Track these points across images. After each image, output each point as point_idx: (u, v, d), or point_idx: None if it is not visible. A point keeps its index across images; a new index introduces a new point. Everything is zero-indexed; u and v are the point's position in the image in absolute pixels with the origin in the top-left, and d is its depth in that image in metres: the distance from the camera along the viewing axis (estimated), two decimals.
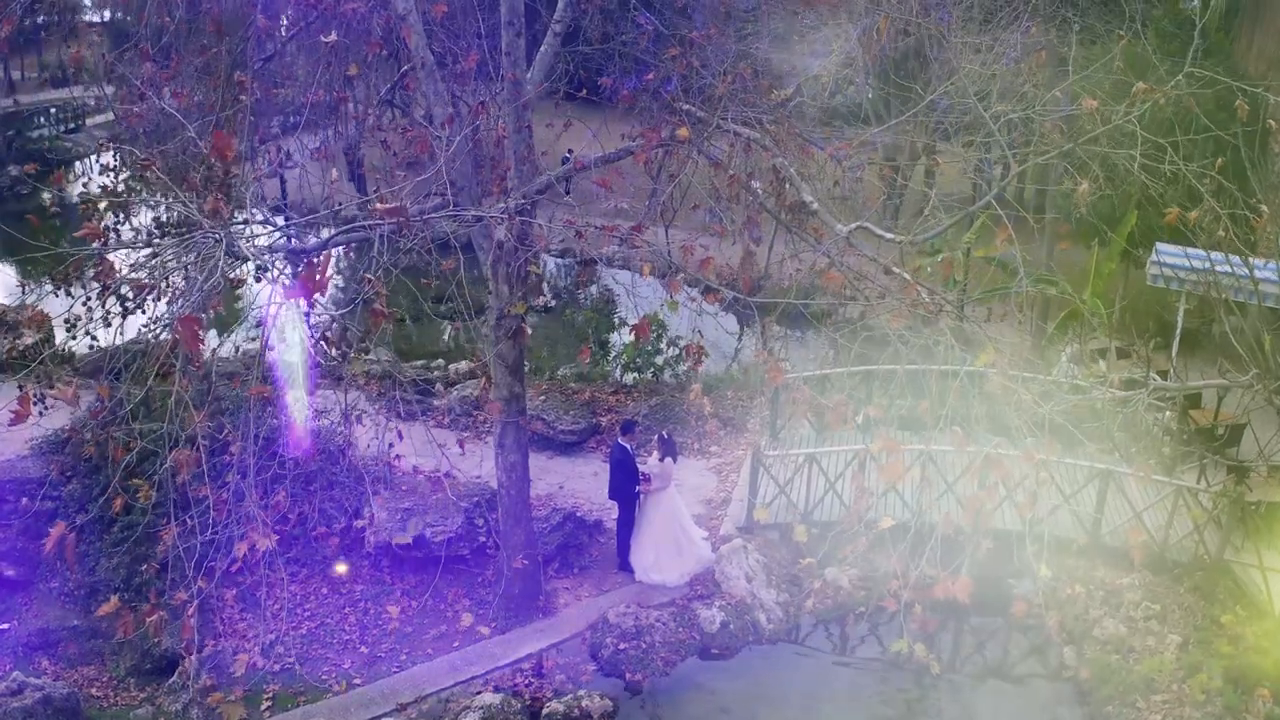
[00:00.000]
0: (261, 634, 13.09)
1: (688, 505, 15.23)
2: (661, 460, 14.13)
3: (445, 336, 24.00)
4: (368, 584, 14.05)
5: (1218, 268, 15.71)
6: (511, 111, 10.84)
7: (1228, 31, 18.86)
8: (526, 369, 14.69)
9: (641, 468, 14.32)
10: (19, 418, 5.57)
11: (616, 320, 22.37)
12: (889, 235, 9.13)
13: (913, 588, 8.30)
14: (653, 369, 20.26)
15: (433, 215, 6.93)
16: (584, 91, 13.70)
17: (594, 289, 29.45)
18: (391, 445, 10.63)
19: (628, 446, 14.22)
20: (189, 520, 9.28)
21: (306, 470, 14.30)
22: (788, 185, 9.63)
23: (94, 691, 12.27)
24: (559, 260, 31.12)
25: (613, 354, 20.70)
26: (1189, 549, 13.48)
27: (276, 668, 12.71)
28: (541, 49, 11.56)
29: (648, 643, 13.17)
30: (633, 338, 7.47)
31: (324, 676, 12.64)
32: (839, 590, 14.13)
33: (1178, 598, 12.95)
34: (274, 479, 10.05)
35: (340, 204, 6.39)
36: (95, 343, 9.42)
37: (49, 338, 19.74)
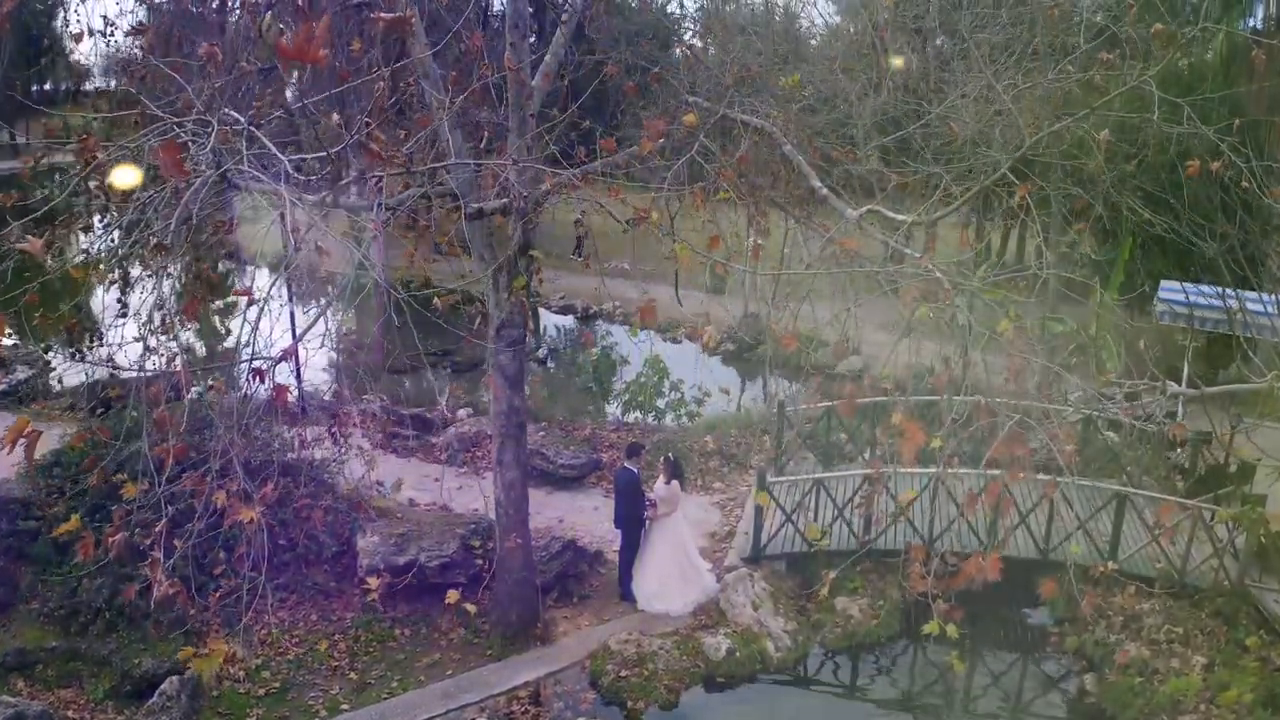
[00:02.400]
0: (247, 658, 12.58)
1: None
2: (668, 483, 13.75)
3: (444, 398, 23.58)
4: (359, 611, 13.57)
5: (1228, 301, 15.62)
6: (516, 114, 10.77)
7: (1227, 76, 19.05)
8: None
9: (647, 493, 13.95)
10: None
11: (617, 359, 22.15)
12: (901, 217, 8.96)
13: (936, 576, 7.90)
14: (655, 411, 19.98)
15: (436, 166, 6.74)
16: (587, 123, 13.69)
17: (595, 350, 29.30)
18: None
19: (635, 470, 13.83)
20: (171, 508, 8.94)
21: (299, 496, 14.06)
22: (795, 172, 9.51)
23: (71, 714, 11.68)
24: (559, 318, 31.05)
25: (613, 394, 20.45)
26: (1208, 574, 13.08)
27: (261, 692, 12.16)
28: (547, 58, 11.55)
29: (650, 670, 12.63)
30: (638, 320, 7.17)
31: (310, 701, 12.08)
32: (849, 619, 13.62)
33: (1199, 622, 12.49)
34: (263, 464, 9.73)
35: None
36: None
37: (42, 373, 19.58)
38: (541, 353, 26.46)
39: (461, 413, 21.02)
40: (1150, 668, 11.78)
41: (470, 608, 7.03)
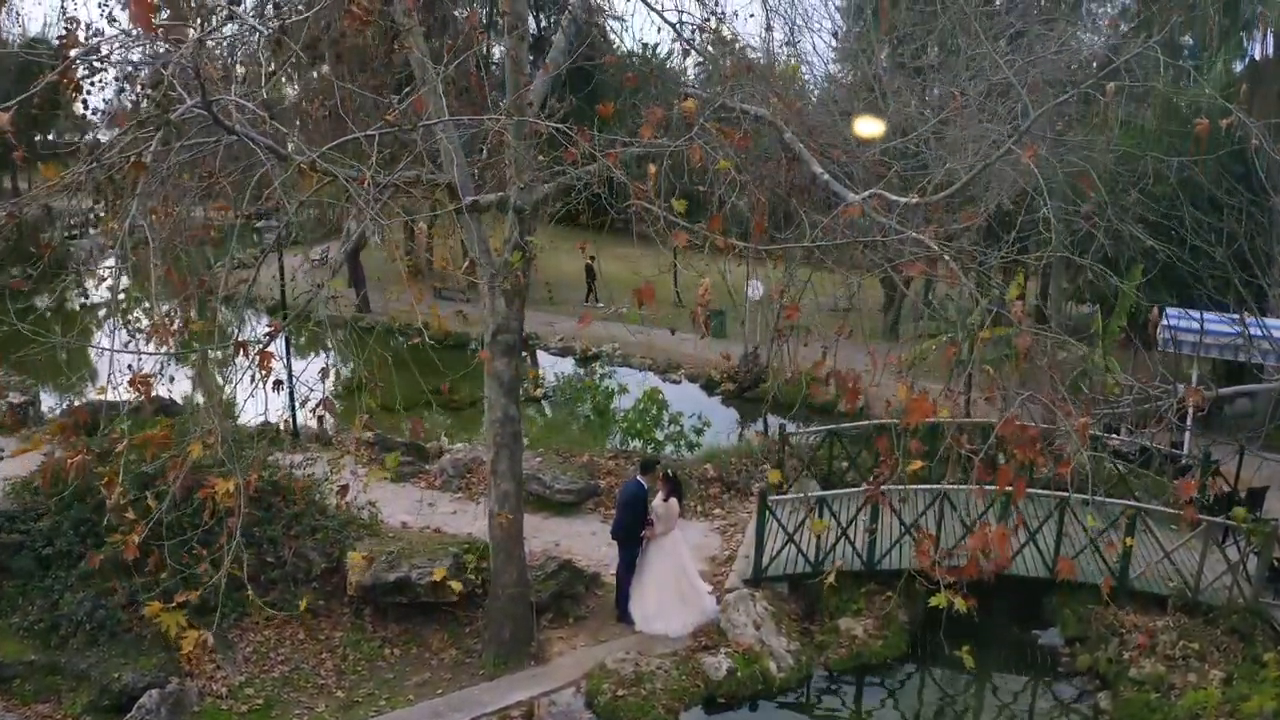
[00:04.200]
0: (230, 675, 12.18)
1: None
2: (667, 500, 13.42)
3: (443, 440, 23.13)
4: (347, 630, 13.17)
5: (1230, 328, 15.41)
6: (514, 103, 10.69)
7: (1225, 101, 19.14)
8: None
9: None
10: None
11: (616, 386, 21.90)
12: (903, 199, 8.79)
13: (943, 566, 7.57)
14: (654, 443, 19.70)
15: (429, 124, 6.60)
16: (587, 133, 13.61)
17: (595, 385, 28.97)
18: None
19: (644, 484, 13.48)
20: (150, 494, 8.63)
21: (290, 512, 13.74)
22: (796, 160, 9.39)
23: None
24: (558, 359, 30.86)
25: (613, 423, 20.19)
26: (1220, 592, 12.72)
27: (244, 709, 11.73)
28: (550, 55, 11.51)
29: (648, 690, 12.19)
30: (638, 305, 6.96)
31: (295, 719, 11.66)
32: (854, 639, 13.20)
33: (1215, 639, 12.10)
34: None
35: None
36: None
37: (34, 400, 19.37)
38: (540, 393, 26.17)
39: (459, 445, 20.74)
40: (1166, 683, 11.38)
41: (456, 585, 6.68)
